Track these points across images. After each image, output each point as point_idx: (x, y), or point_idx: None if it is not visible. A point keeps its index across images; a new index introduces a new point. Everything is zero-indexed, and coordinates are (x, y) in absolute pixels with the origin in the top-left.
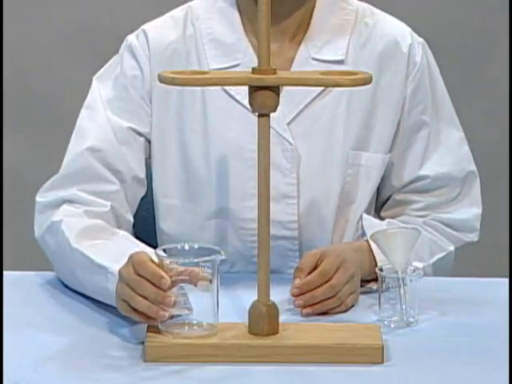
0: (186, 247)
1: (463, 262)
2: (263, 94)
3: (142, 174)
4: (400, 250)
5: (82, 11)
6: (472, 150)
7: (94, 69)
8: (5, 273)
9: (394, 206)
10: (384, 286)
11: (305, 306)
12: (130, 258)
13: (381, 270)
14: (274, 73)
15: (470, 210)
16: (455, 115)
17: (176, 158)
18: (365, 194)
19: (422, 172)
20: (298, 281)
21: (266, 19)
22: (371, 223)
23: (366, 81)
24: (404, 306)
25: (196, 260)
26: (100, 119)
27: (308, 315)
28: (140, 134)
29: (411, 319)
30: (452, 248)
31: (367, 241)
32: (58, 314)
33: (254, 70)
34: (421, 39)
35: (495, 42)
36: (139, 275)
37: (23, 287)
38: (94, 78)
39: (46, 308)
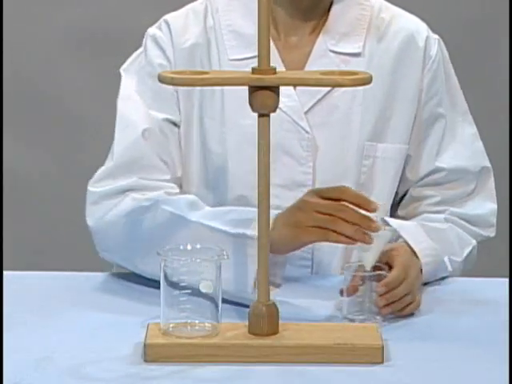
0: (189, 247)
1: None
2: (263, 94)
3: (180, 170)
4: (371, 250)
5: (82, 11)
6: None
7: (94, 69)
8: (5, 273)
9: (410, 202)
10: (350, 283)
11: (385, 306)
12: (319, 190)
13: (348, 267)
14: (274, 73)
15: (485, 205)
16: (468, 111)
17: (196, 146)
18: (384, 186)
19: (438, 164)
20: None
21: (266, 19)
22: (400, 223)
23: (366, 81)
24: (368, 305)
25: (198, 260)
26: (141, 108)
27: (386, 315)
28: (175, 125)
29: (377, 317)
30: (475, 242)
31: (406, 243)
32: (57, 314)
33: (254, 70)
34: (436, 36)
35: (495, 42)
36: (338, 200)
37: (24, 287)
38: (121, 70)
39: (46, 308)
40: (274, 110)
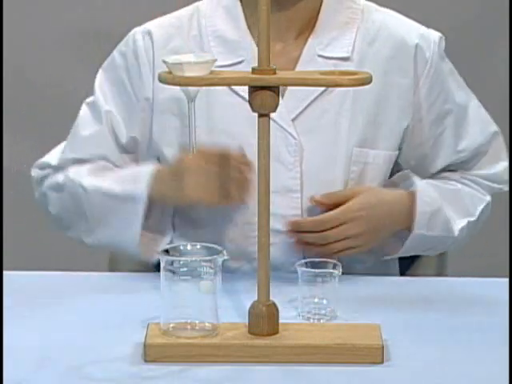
0: (189, 247)
1: (463, 262)
2: (263, 94)
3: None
4: None
5: (82, 10)
6: None
7: (95, 68)
8: (5, 273)
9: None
10: (304, 280)
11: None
12: (199, 151)
13: (300, 265)
14: (274, 73)
15: (496, 166)
16: (465, 85)
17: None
18: None
19: (459, 153)
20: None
21: (266, 19)
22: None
23: (366, 81)
24: (325, 302)
25: (198, 260)
26: (99, 128)
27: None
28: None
29: (332, 314)
30: (489, 198)
31: (412, 192)
32: (57, 314)
33: (253, 70)
34: (434, 35)
35: (495, 42)
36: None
37: (23, 287)
38: (100, 69)
39: (46, 308)
40: (274, 110)
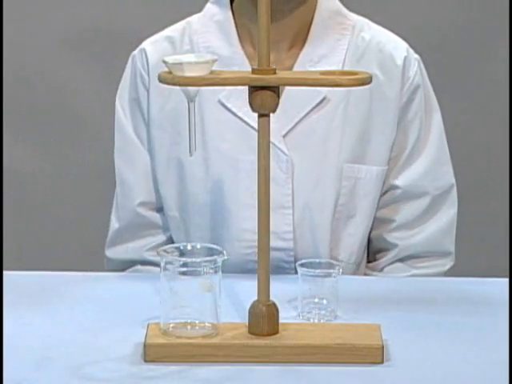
0: (189, 247)
1: (463, 262)
2: (263, 94)
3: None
4: None
5: (82, 11)
6: (472, 149)
7: (95, 68)
8: (5, 273)
9: (376, 225)
10: (304, 280)
11: None
12: None
13: (300, 265)
14: (274, 73)
15: (440, 225)
16: (444, 134)
17: (174, 171)
18: (366, 207)
19: (395, 182)
20: None
21: (266, 19)
22: None
23: (366, 81)
24: (325, 302)
25: (198, 260)
26: (138, 165)
27: None
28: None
29: (330, 314)
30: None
31: None
32: (57, 314)
33: (254, 70)
34: (417, 56)
35: (495, 42)
36: None
37: (23, 287)
38: (116, 101)
39: (46, 308)
40: (274, 110)
